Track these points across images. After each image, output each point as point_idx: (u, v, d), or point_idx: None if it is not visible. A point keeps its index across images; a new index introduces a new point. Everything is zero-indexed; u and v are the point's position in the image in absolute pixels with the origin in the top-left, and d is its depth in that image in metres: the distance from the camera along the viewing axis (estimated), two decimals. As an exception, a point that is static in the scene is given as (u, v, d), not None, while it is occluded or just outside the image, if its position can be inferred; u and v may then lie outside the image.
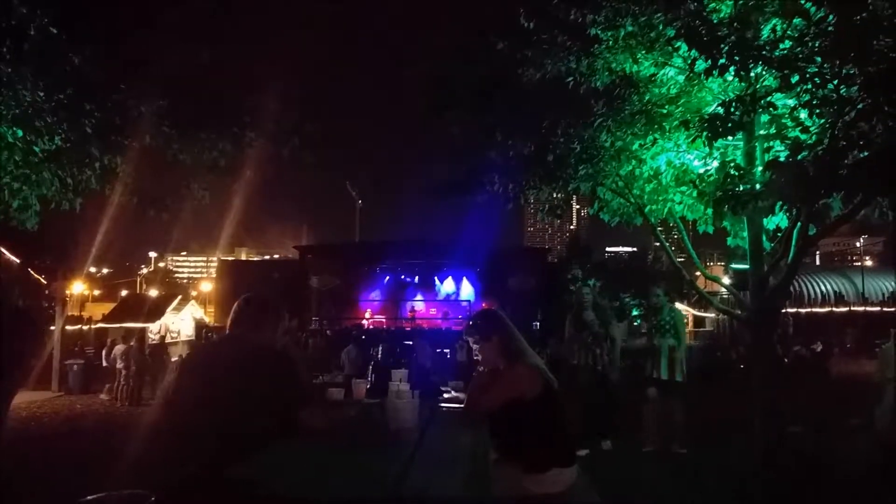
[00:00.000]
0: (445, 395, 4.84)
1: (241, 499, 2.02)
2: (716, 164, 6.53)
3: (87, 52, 5.95)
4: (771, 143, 6.26)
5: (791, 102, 5.79)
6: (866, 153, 5.26)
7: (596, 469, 5.47)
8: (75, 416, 12.39)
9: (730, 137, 5.89)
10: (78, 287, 29.29)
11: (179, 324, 28.14)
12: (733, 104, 5.49)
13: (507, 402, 2.89)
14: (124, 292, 47.06)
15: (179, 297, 30.71)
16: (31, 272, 25.19)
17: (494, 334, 3.12)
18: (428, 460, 2.76)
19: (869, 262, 48.42)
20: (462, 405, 3.75)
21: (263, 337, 2.61)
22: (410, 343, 17.25)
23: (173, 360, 16.38)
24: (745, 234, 6.75)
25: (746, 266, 6.90)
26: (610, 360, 8.17)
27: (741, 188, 5.81)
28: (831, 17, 5.23)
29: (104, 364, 15.97)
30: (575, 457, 2.96)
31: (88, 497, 1.91)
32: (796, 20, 5.51)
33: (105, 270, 57.69)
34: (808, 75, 5.18)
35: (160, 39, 6.99)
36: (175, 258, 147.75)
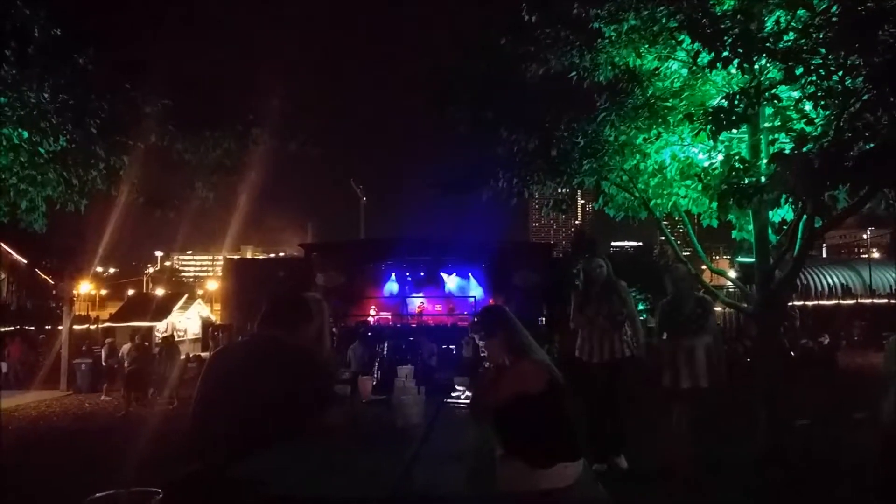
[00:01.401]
0: (457, 394, 4.83)
1: (246, 497, 2.04)
2: (720, 157, 6.51)
3: (92, 52, 5.97)
4: (776, 136, 6.23)
5: (796, 94, 5.77)
6: (872, 145, 5.24)
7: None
8: (84, 415, 12.48)
9: (734, 130, 5.88)
10: (85, 287, 29.48)
11: (186, 322, 28.31)
12: (737, 97, 5.47)
13: (513, 397, 2.90)
14: (131, 291, 47.28)
15: (186, 295, 30.88)
16: (39, 272, 25.37)
17: (499, 330, 3.12)
18: (433, 456, 2.77)
19: (876, 255, 48.24)
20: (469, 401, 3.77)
21: (289, 336, 2.60)
22: (416, 340, 17.27)
23: (182, 357, 16.43)
24: (751, 227, 6.74)
25: (752, 259, 6.89)
26: (631, 352, 6.06)
27: (746, 181, 5.80)
28: (835, 7, 5.20)
29: (103, 364, 16.03)
30: (581, 451, 2.97)
31: (97, 494, 1.93)
32: (800, 11, 5.48)
33: (112, 270, 57.98)
34: (812, 67, 5.15)
35: (164, 39, 7.02)
36: (181, 257, 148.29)
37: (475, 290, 28.55)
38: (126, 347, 15.10)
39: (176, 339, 24.68)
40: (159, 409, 12.55)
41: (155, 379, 13.71)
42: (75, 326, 21.16)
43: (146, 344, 15.45)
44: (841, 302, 34.76)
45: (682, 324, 5.87)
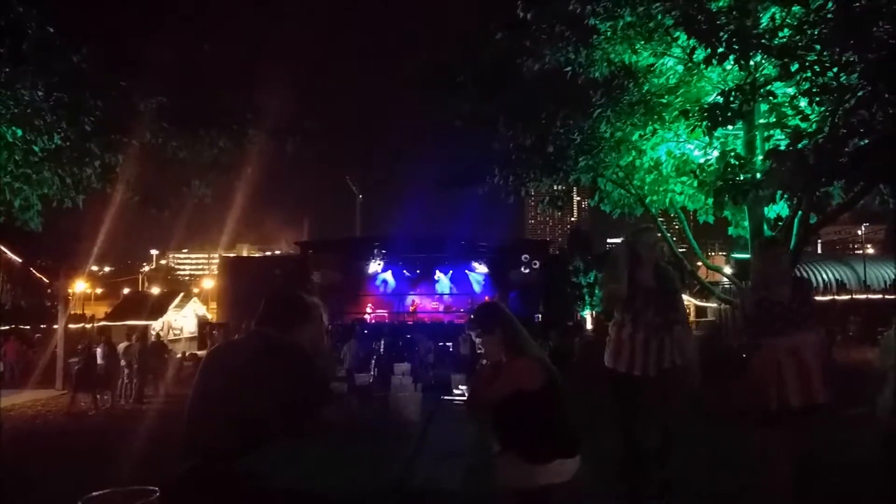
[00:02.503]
0: (454, 391, 4.80)
1: (245, 492, 2.04)
2: (716, 153, 6.53)
3: (86, 50, 5.94)
4: (771, 132, 6.26)
5: (791, 91, 5.79)
6: (867, 141, 5.26)
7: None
8: (79, 414, 12.44)
9: (730, 127, 5.89)
10: (80, 286, 29.40)
11: (182, 321, 28.22)
12: (733, 93, 5.48)
13: (510, 394, 2.90)
14: (126, 290, 47.14)
15: (181, 294, 30.77)
16: (34, 271, 25.28)
17: (497, 327, 3.13)
18: (431, 453, 2.78)
19: (870, 250, 48.39)
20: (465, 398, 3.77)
21: (286, 335, 2.60)
22: (412, 336, 17.29)
23: (177, 356, 16.39)
24: (746, 223, 6.76)
25: (748, 255, 6.91)
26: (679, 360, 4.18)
27: (742, 177, 5.82)
28: (830, 4, 5.21)
29: (99, 362, 15.98)
30: (578, 447, 2.98)
31: (94, 493, 1.93)
32: (795, 8, 5.50)
33: (107, 268, 57.79)
34: (807, 63, 5.17)
35: (159, 37, 6.98)
36: (176, 255, 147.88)
37: (471, 287, 28.59)
38: (121, 346, 15.09)
39: (172, 337, 24.64)
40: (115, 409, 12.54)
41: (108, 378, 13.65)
42: (70, 325, 21.08)
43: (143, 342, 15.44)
44: (836, 297, 34.89)
45: (780, 317, 4.07)
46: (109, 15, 6.54)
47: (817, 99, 5.33)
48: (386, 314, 27.51)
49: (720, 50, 5.29)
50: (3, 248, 23.41)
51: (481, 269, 28.28)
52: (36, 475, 6.75)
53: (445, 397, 4.44)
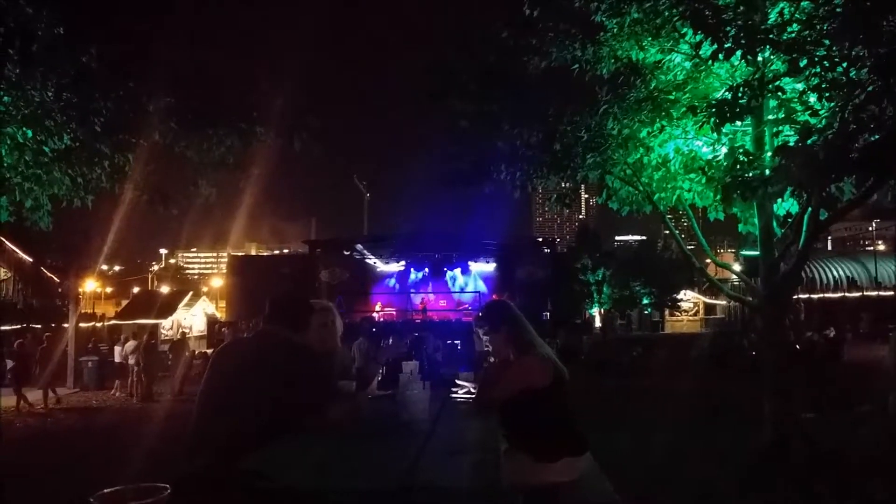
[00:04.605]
0: (463, 390, 4.79)
1: (254, 490, 2.05)
2: (724, 150, 6.49)
3: (95, 51, 5.97)
4: (780, 128, 6.21)
5: (800, 86, 5.74)
6: (877, 136, 5.22)
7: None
8: (91, 412, 12.55)
9: (738, 123, 5.85)
10: (90, 285, 29.59)
11: (191, 319, 28.38)
12: (741, 89, 5.45)
13: (518, 392, 2.90)
14: (136, 289, 47.42)
15: (191, 292, 30.93)
16: (44, 271, 25.46)
17: (504, 325, 3.12)
18: (439, 451, 2.78)
19: (882, 247, 47.97)
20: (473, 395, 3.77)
21: (293, 333, 2.61)
22: (420, 335, 17.30)
23: (186, 354, 16.53)
24: (756, 220, 6.72)
25: (757, 252, 6.87)
26: None
27: (751, 174, 5.78)
28: (840, -2, 5.17)
29: (116, 360, 16.16)
30: (586, 446, 2.97)
31: (105, 490, 1.94)
32: (804, 2, 5.46)
33: (117, 268, 58.10)
34: (816, 59, 5.13)
35: (166, 37, 7.01)
36: (185, 254, 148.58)
37: (479, 285, 28.57)
38: (130, 345, 15.23)
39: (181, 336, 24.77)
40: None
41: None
42: (81, 324, 21.22)
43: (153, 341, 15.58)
44: (846, 294, 34.66)
45: None
46: (118, 16, 6.58)
47: (826, 94, 5.28)
48: (394, 312, 27.54)
49: (727, 45, 5.25)
50: (14, 248, 23.60)
51: (489, 267, 28.28)
52: (48, 472, 6.81)
53: (453, 395, 4.44)
